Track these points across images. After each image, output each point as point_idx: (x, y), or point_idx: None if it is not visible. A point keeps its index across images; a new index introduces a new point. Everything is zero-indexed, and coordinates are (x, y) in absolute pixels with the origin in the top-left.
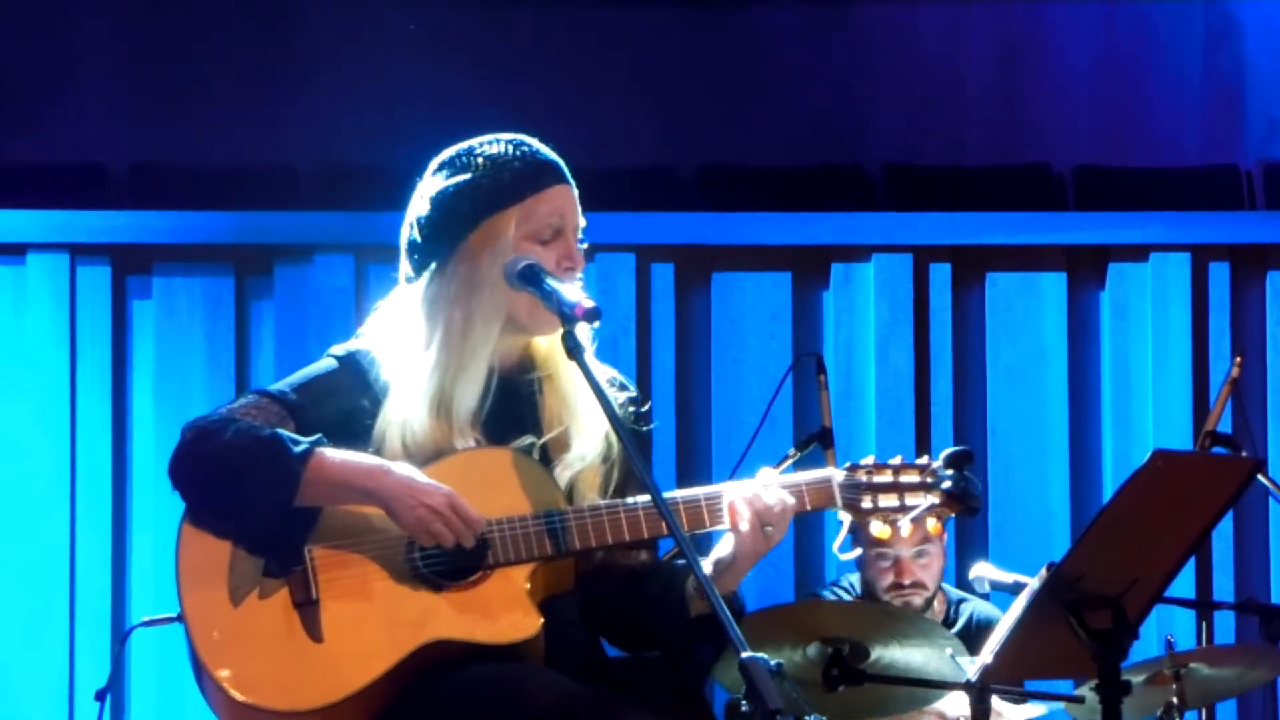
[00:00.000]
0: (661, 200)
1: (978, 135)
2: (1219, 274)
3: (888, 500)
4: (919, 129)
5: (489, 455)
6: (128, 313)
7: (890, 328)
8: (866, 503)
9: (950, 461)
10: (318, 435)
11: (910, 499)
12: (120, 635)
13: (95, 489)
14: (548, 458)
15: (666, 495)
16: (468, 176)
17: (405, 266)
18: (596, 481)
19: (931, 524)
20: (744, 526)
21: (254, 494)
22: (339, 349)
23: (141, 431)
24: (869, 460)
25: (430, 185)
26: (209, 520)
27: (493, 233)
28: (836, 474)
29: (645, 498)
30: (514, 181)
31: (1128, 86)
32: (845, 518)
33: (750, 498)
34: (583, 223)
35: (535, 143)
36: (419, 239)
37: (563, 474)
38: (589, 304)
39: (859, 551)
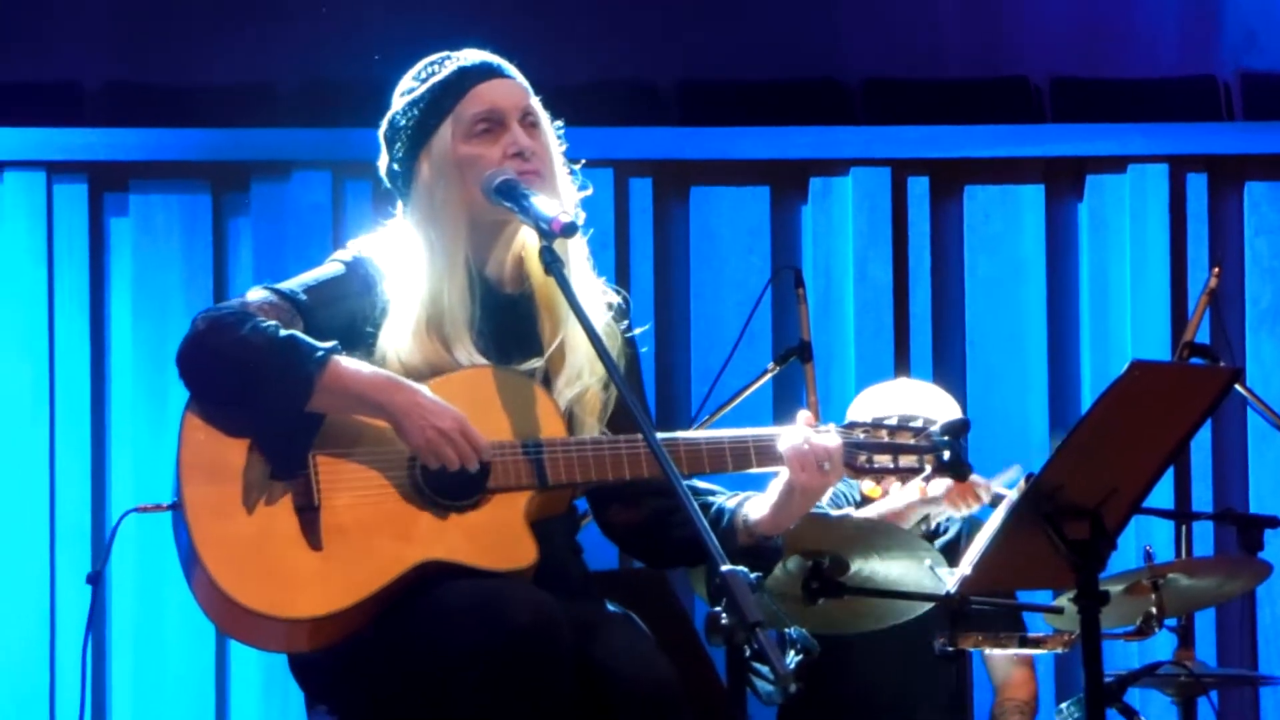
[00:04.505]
0: (639, 115)
1: (955, 48)
2: (1196, 185)
3: (882, 461)
4: (896, 42)
5: (498, 377)
6: (105, 231)
7: (868, 241)
8: (861, 461)
9: (947, 430)
10: (334, 343)
11: (904, 461)
12: (103, 547)
13: (74, 407)
14: (549, 379)
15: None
16: (403, 105)
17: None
18: (597, 407)
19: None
20: (803, 465)
21: (266, 394)
22: (344, 254)
23: (119, 349)
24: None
25: (386, 118)
26: (216, 413)
27: (436, 152)
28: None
29: (636, 436)
30: (441, 95)
31: None
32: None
33: (808, 437)
34: (536, 106)
35: (463, 52)
36: (386, 171)
37: (563, 394)
38: (566, 218)
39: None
